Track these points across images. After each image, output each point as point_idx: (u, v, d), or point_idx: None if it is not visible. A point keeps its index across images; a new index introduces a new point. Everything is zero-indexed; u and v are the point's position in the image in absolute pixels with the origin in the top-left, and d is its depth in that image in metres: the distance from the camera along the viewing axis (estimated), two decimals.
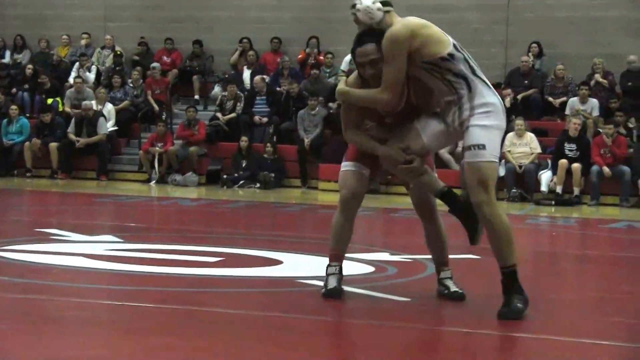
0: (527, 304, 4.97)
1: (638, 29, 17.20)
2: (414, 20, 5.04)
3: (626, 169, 14.21)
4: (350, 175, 5.41)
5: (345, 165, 5.45)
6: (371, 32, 5.07)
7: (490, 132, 4.91)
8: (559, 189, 14.34)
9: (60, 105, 17.55)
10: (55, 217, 10.87)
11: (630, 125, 15.02)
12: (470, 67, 4.95)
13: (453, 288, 5.53)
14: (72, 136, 16.25)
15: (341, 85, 5.26)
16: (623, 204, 14.14)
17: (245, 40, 18.34)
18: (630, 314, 5.43)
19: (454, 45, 4.97)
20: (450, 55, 4.92)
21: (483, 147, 4.90)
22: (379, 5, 5.06)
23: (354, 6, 5.13)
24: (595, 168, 14.27)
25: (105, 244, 7.55)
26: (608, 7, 17.36)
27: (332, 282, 5.36)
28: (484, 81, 4.97)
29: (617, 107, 15.40)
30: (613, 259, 8.59)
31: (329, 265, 5.44)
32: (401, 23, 5.01)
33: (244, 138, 15.76)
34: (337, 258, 5.46)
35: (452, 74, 4.92)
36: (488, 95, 4.94)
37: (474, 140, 4.91)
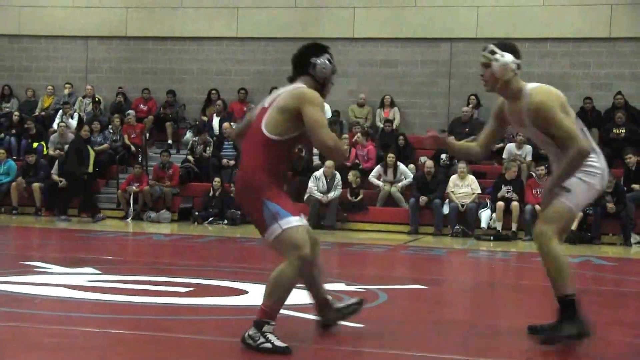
0: (578, 332, 4.87)
1: (557, 83, 17.41)
2: (549, 88, 5.05)
3: None
4: (304, 230, 4.74)
5: (296, 220, 4.70)
6: None
7: (584, 185, 4.92)
8: (498, 226, 14.46)
9: (44, 149, 17.40)
10: (38, 251, 10.72)
11: None
12: (583, 133, 4.95)
13: None
14: (55, 177, 16.09)
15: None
16: None
17: (213, 92, 18.41)
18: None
19: (576, 117, 4.99)
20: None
21: (568, 190, 4.90)
22: (515, 66, 5.01)
23: (492, 52, 5.02)
24: (528, 207, 14.41)
25: (85, 275, 7.45)
26: (530, 64, 17.67)
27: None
28: (594, 148, 4.98)
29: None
30: (544, 288, 8.63)
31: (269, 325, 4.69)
32: (544, 89, 4.99)
33: (217, 179, 15.72)
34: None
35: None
36: (596, 162, 4.96)
37: (567, 184, 4.92)
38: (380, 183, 15.58)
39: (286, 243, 4.69)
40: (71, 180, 15.54)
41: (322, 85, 4.96)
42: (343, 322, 5.33)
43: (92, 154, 15.94)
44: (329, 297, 5.24)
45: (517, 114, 5.07)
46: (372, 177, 15.74)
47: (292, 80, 5.04)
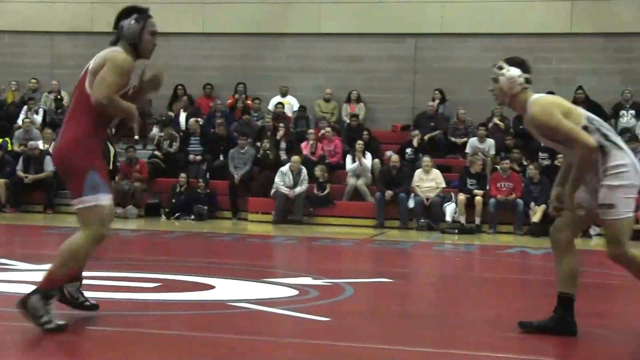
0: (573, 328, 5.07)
1: None
2: (552, 98, 5.15)
3: (519, 201, 14.50)
4: (111, 210, 4.92)
5: (109, 199, 4.87)
6: None
7: (620, 191, 4.92)
8: (462, 219, 14.56)
9: (9, 145, 17.18)
10: (3, 248, 10.58)
11: (524, 163, 15.34)
12: (604, 135, 4.96)
13: None
14: (20, 173, 15.90)
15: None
16: (517, 232, 14.41)
17: (180, 87, 18.29)
18: (520, 329, 5.51)
19: (587, 118, 5.00)
20: (585, 127, 4.95)
21: (611, 206, 4.92)
22: (522, 80, 5.12)
23: (500, 68, 5.18)
24: (492, 200, 14.53)
25: None
26: (494, 59, 17.71)
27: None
28: (616, 145, 4.97)
29: (513, 145, 15.69)
30: (508, 280, 8.74)
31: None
32: (541, 100, 5.05)
33: (183, 175, 15.64)
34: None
35: None
36: (621, 158, 4.94)
37: (603, 200, 4.94)
38: (367, 163, 15.62)
39: (93, 217, 4.80)
40: None
41: (133, 46, 5.06)
42: (312, 316, 5.32)
43: (112, 151, 15.66)
44: (82, 280, 5.32)
45: (529, 126, 5.19)
46: (349, 169, 15.74)
47: (113, 44, 5.17)
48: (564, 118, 4.91)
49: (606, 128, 5.04)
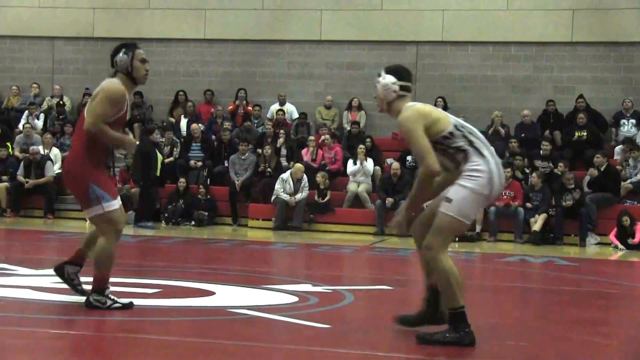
0: (461, 342, 4.97)
1: (521, 87, 17.74)
2: (421, 107, 5.13)
3: (520, 209, 14.51)
4: (120, 211, 5.74)
5: (115, 204, 5.67)
6: None
7: (467, 192, 4.97)
8: None
9: (10, 150, 17.20)
10: (3, 253, 10.59)
11: (527, 171, 15.35)
12: (469, 141, 5.05)
13: None
14: (21, 178, 15.92)
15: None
16: (517, 240, 14.42)
17: (181, 93, 18.32)
18: (520, 337, 5.53)
19: (455, 125, 5.08)
20: (450, 133, 5.05)
21: (449, 200, 4.97)
22: (396, 87, 5.18)
23: (378, 75, 5.27)
24: (493, 208, 14.54)
25: (51, 277, 7.37)
26: (495, 67, 17.89)
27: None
28: (479, 151, 5.04)
29: (516, 149, 15.68)
30: (507, 288, 8.76)
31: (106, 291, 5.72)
32: (410, 109, 5.09)
33: (182, 180, 15.67)
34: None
35: (452, 148, 5.06)
36: (479, 165, 5.01)
37: (447, 193, 5.01)
38: (369, 166, 15.70)
39: (104, 222, 5.64)
40: (141, 185, 14.99)
41: (128, 75, 5.73)
42: (312, 323, 5.34)
43: (159, 158, 15.61)
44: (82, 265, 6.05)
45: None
46: (351, 171, 15.78)
47: (112, 77, 5.86)
48: (423, 134, 4.97)
49: (475, 136, 5.11)
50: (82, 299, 6.10)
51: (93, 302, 5.66)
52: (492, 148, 5.14)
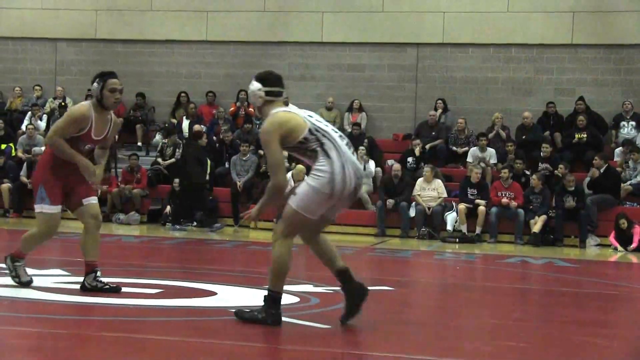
0: (263, 323, 5.30)
1: (521, 88, 17.75)
2: (280, 116, 5.37)
3: (520, 211, 14.51)
4: (56, 216, 6.53)
5: (53, 209, 6.47)
6: None
7: (309, 189, 5.28)
8: (463, 228, 14.57)
9: (13, 151, 17.22)
10: (6, 253, 10.58)
11: (527, 173, 15.36)
12: (321, 143, 5.32)
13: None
14: (24, 178, 15.94)
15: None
16: (517, 241, 14.42)
17: (183, 94, 18.33)
18: (520, 338, 5.54)
19: (309, 130, 5.34)
20: (305, 138, 5.32)
21: (294, 194, 5.32)
22: (262, 93, 5.48)
23: (251, 81, 5.57)
24: (494, 210, 14.54)
25: (54, 277, 7.40)
26: (495, 69, 17.90)
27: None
28: (326, 153, 5.31)
29: (515, 156, 15.67)
30: (507, 289, 8.76)
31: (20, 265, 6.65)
32: (271, 118, 5.37)
33: (176, 180, 15.61)
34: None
35: (308, 151, 5.36)
36: (323, 165, 5.29)
37: (295, 187, 5.37)
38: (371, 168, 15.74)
39: (41, 219, 6.51)
40: (191, 189, 14.95)
41: (99, 101, 6.41)
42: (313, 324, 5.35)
43: (209, 162, 15.55)
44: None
45: None
46: None
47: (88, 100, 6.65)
48: (277, 143, 5.28)
49: (328, 138, 5.35)
50: (85, 299, 6.12)
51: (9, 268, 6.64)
52: (345, 150, 5.37)
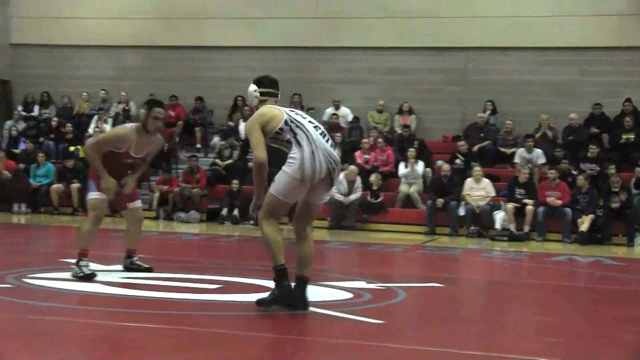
0: (280, 299, 5.64)
1: (566, 91, 17.51)
2: (262, 110, 5.83)
3: (567, 210, 14.32)
4: (101, 200, 7.01)
5: (96, 194, 7.00)
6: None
7: (283, 175, 5.65)
8: (512, 227, 14.45)
9: (80, 153, 17.58)
10: (75, 249, 10.81)
11: (574, 173, 15.17)
12: (294, 133, 5.68)
13: None
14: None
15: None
16: (565, 240, 14.24)
17: (239, 98, 18.49)
18: (567, 335, 5.48)
19: (285, 121, 5.71)
20: (281, 129, 5.70)
21: (273, 182, 5.71)
22: (257, 94, 5.98)
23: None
24: (541, 209, 14.38)
25: (120, 272, 7.54)
26: (541, 72, 17.69)
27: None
28: (298, 142, 5.66)
29: (562, 156, 15.53)
30: (554, 287, 8.66)
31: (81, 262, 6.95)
32: (260, 109, 5.84)
33: (235, 181, 15.81)
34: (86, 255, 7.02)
35: (284, 141, 5.74)
36: (295, 153, 5.65)
37: (275, 176, 5.70)
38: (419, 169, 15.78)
39: (90, 207, 7.06)
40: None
41: (143, 125, 6.99)
42: (366, 319, 5.37)
43: None
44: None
45: None
46: (402, 174, 15.78)
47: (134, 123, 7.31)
48: (258, 130, 5.69)
49: (301, 129, 5.70)
50: (150, 294, 6.24)
51: (73, 273, 6.90)
52: (317, 138, 5.68)
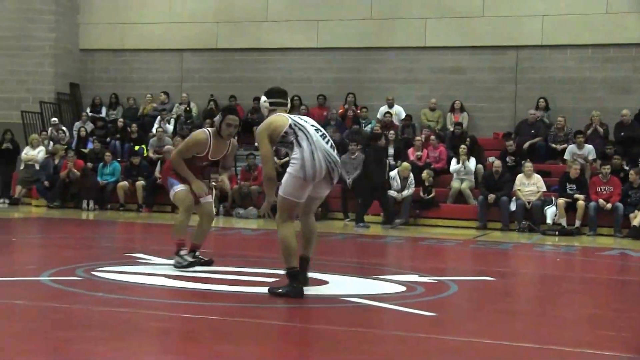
0: (287, 296, 5.82)
1: (619, 87, 17.12)
2: (269, 119, 6.04)
3: (619, 204, 14.03)
4: (186, 192, 7.14)
5: (180, 187, 7.14)
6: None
7: (288, 176, 5.84)
8: (563, 222, 14.21)
9: (145, 151, 17.85)
10: (140, 244, 11.00)
11: (626, 168, 14.85)
12: (296, 136, 5.89)
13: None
14: (157, 174, 16.43)
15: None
16: (617, 234, 13.95)
17: (295, 98, 18.53)
18: (621, 328, 5.36)
19: (289, 125, 5.93)
20: (285, 132, 5.92)
21: (280, 184, 5.87)
22: (267, 104, 6.21)
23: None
24: (593, 204, 14.11)
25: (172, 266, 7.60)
26: (594, 69, 17.33)
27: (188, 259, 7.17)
28: (299, 144, 5.86)
29: (614, 152, 15.23)
30: (607, 281, 8.48)
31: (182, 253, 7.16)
32: (267, 119, 6.04)
33: None
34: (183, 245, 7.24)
35: (288, 143, 5.94)
36: (296, 154, 5.85)
37: (282, 179, 5.87)
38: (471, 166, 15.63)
39: (177, 199, 7.23)
40: (369, 187, 14.79)
41: (217, 131, 7.12)
42: (419, 311, 5.34)
43: (387, 162, 15.55)
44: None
45: None
46: (453, 170, 15.64)
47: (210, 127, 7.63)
48: (266, 140, 5.91)
49: (303, 131, 5.91)
50: (210, 287, 6.30)
51: (175, 263, 7.14)
52: (317, 140, 5.87)
